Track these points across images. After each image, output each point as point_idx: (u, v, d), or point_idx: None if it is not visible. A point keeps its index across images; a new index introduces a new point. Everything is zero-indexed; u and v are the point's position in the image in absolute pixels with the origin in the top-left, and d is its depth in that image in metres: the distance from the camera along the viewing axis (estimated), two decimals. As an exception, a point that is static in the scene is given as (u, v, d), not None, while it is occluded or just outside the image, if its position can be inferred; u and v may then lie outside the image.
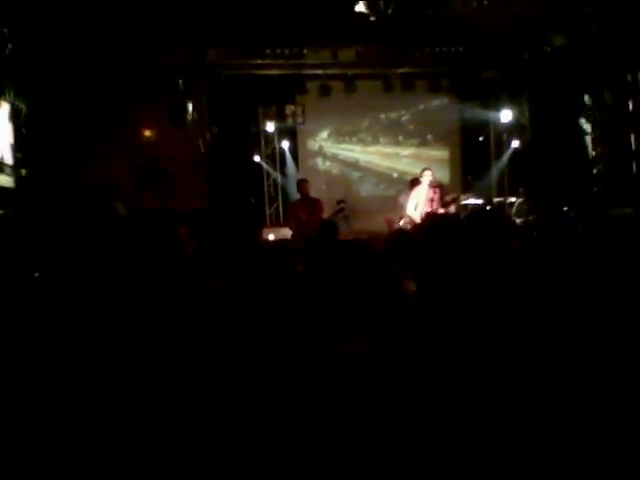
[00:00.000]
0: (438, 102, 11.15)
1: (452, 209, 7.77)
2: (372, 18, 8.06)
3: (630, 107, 8.78)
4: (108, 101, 8.96)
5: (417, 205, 7.69)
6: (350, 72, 10.29)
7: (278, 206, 11.11)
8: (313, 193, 8.28)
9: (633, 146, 8.71)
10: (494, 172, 10.99)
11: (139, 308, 2.52)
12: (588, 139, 9.50)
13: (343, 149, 11.40)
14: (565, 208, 6.94)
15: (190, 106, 9.46)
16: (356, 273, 1.97)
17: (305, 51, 9.71)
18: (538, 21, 8.60)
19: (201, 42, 9.09)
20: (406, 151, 11.35)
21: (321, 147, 11.40)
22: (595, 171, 9.34)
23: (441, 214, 7.30)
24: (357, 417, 1.58)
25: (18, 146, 7.72)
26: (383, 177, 11.40)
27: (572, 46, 9.01)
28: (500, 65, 10.23)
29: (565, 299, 2.07)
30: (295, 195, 8.78)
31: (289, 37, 9.23)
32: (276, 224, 10.08)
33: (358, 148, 11.40)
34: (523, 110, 10.68)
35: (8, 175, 7.45)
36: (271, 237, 8.53)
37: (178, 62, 9.18)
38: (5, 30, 7.20)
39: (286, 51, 9.67)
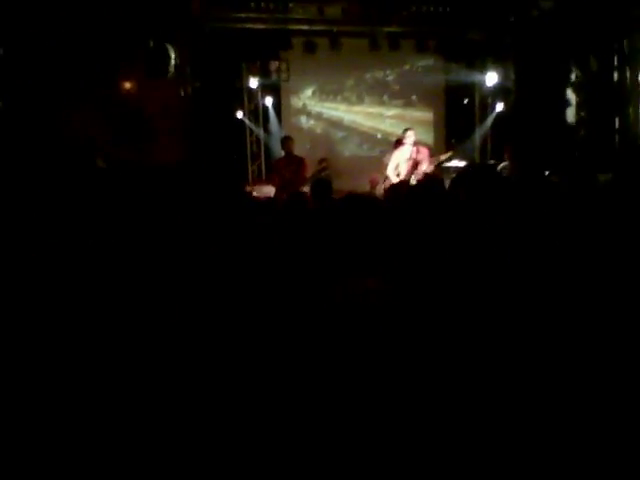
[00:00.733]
0: (424, 63, 11.03)
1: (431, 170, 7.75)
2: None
3: (615, 75, 8.81)
4: (87, 50, 8.73)
5: (398, 165, 7.71)
6: (336, 29, 10.12)
7: (261, 163, 11.00)
8: (297, 152, 8.22)
9: (615, 113, 8.76)
10: (478, 135, 10.99)
11: (124, 261, 2.50)
12: (572, 105, 9.53)
13: (327, 108, 11.27)
14: (547, 172, 6.96)
15: (172, 58, 9.24)
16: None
17: (291, 5, 9.54)
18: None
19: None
20: (390, 111, 11.26)
21: (305, 105, 11.26)
22: (578, 136, 9.40)
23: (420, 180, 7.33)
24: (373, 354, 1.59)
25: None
26: (367, 137, 11.33)
27: (560, 11, 8.95)
28: (487, 27, 10.12)
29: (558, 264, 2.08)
30: (278, 153, 8.73)
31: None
32: (258, 181, 10.01)
33: (342, 107, 11.28)
34: (509, 74, 10.62)
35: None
36: (254, 194, 8.48)
37: (161, 12, 8.94)
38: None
39: (271, 5, 9.48)
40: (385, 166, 8.06)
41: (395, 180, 7.48)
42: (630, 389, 1.62)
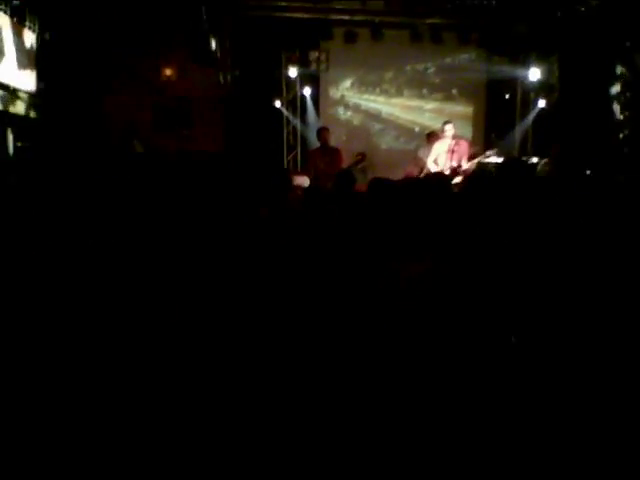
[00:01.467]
0: (466, 56, 10.83)
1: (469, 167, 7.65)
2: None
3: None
4: (130, 36, 8.83)
5: (437, 158, 7.66)
6: (377, 19, 10.04)
7: (297, 154, 10.99)
8: (333, 143, 8.19)
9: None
10: (518, 131, 10.79)
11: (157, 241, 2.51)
12: (617, 103, 9.31)
13: (366, 99, 11.17)
14: (588, 172, 6.82)
15: (214, 45, 9.27)
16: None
17: (333, -5, 9.50)
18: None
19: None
20: (430, 105, 11.10)
21: (343, 96, 11.18)
22: (622, 135, 9.18)
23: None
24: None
25: (40, 76, 7.68)
26: (404, 130, 11.20)
27: (606, 7, 8.75)
28: (532, 21, 9.92)
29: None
30: (315, 143, 8.69)
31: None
32: (294, 172, 10.00)
33: (381, 99, 11.16)
34: (552, 70, 10.42)
35: (27, 104, 7.44)
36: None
37: (203, -1, 8.97)
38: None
39: (313, -6, 9.45)
40: (419, 160, 8.00)
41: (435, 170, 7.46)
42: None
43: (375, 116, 11.23)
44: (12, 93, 7.22)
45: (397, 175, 8.76)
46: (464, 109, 11.15)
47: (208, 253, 2.32)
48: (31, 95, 7.61)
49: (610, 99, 9.35)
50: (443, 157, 7.62)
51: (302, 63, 10.70)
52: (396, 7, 9.72)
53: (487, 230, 2.10)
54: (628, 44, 8.85)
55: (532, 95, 10.72)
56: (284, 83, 10.85)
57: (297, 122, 11.00)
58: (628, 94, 9.09)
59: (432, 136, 8.48)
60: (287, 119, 10.97)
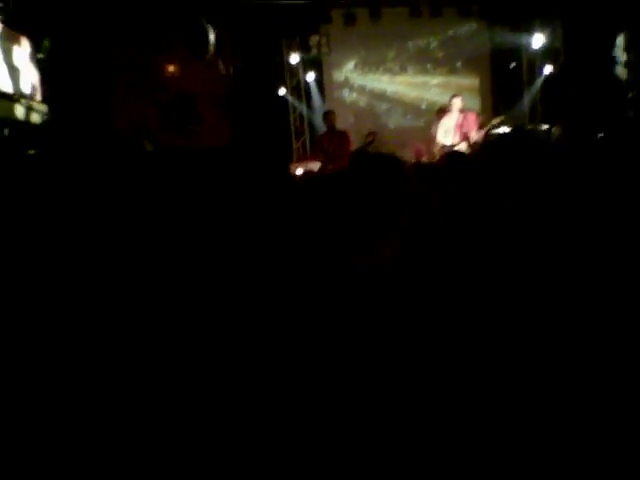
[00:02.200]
0: (467, 28, 10.71)
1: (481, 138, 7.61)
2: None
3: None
4: (132, 35, 8.82)
5: (446, 132, 7.63)
6: (375, -2, 9.97)
7: (305, 140, 10.97)
8: (341, 125, 8.17)
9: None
10: (526, 100, 10.69)
11: (169, 240, 2.51)
12: (622, 64, 9.18)
13: (370, 80, 11.08)
14: (600, 135, 6.73)
15: (212, 37, 9.23)
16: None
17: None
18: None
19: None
20: (435, 80, 11.01)
21: (347, 78, 11.11)
22: (629, 96, 9.06)
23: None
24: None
25: (43, 82, 7.71)
26: (411, 108, 11.12)
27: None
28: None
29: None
30: (322, 128, 8.68)
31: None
32: (303, 158, 9.98)
33: (385, 78, 11.08)
34: (556, 34, 10.28)
35: (31, 109, 7.46)
36: (299, 172, 8.46)
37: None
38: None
39: (309, -23, 9.38)
40: (432, 137, 7.96)
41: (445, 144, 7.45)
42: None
43: (381, 95, 11.16)
44: (16, 101, 7.24)
45: (407, 152, 8.77)
46: (470, 81, 11.04)
47: (213, 249, 2.32)
48: (36, 101, 7.63)
49: (614, 61, 9.22)
50: (452, 132, 7.58)
51: (303, 49, 10.65)
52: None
53: (492, 207, 2.06)
54: (631, 5, 8.70)
55: (538, 62, 10.61)
56: (287, 70, 10.80)
57: (303, 108, 10.97)
58: (631, 55, 8.96)
59: (441, 112, 8.42)
60: (293, 106, 10.95)
